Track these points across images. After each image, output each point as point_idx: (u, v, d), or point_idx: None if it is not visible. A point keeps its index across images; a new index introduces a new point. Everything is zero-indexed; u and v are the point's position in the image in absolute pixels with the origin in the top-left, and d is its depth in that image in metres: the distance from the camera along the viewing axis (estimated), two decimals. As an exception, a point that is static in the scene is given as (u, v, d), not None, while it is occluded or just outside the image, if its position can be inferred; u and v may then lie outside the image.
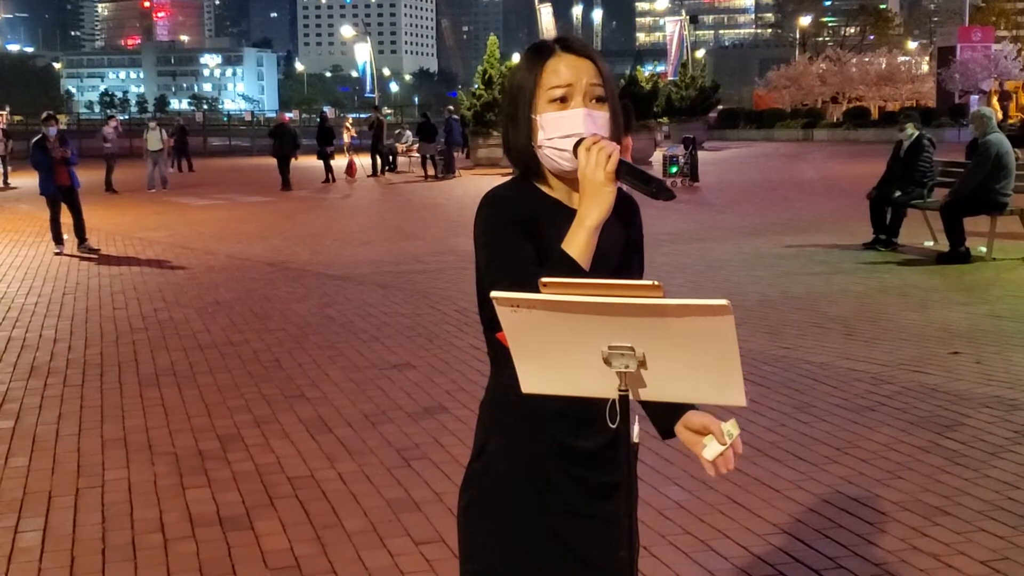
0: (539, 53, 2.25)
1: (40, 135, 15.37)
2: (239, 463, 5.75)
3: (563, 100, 2.20)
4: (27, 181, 30.27)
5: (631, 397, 1.96)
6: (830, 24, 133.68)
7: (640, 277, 2.37)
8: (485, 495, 2.31)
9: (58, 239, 15.21)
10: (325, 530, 4.76)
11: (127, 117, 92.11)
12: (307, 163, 32.52)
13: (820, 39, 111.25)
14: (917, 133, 13.33)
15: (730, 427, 2.25)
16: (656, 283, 1.83)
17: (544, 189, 2.29)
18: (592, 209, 2.11)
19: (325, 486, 5.34)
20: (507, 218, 2.20)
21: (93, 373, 7.94)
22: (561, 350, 1.95)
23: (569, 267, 2.09)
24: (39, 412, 6.90)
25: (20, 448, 6.14)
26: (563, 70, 2.20)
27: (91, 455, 5.97)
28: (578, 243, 2.11)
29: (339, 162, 32.95)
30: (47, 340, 9.18)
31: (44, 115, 16.18)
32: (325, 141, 30.75)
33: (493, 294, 1.92)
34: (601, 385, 1.97)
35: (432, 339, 8.59)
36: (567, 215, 2.20)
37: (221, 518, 4.95)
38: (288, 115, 38.89)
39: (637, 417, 2.10)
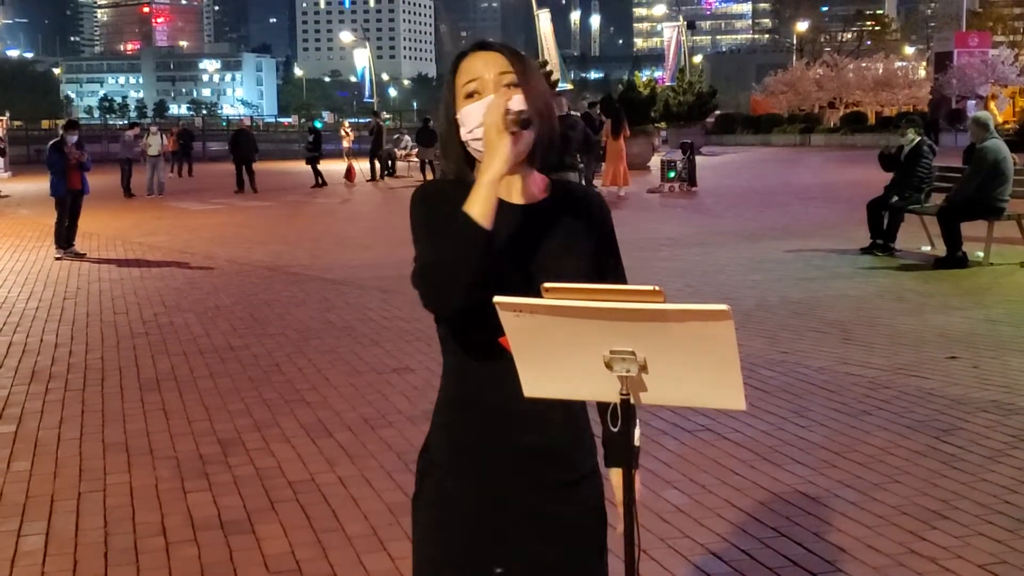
0: (457, 59, 2.29)
1: (59, 138, 15.56)
2: (240, 467, 5.77)
3: (476, 94, 2.22)
4: (19, 187, 30.28)
5: (633, 401, 1.99)
6: (828, 29, 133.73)
7: (614, 278, 2.31)
8: (428, 492, 2.32)
9: (61, 243, 15.27)
10: (326, 534, 4.78)
11: (126, 122, 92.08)
12: (305, 168, 32.51)
13: (818, 44, 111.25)
14: (918, 139, 13.35)
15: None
16: (657, 288, 1.86)
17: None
18: (490, 162, 2.08)
19: (325, 490, 5.36)
20: (433, 208, 2.21)
21: (94, 378, 7.96)
22: (563, 354, 1.98)
23: (465, 225, 2.06)
24: (41, 416, 6.92)
25: (22, 452, 6.16)
26: (472, 66, 2.24)
27: (93, 459, 5.99)
28: (474, 200, 2.07)
29: (338, 167, 33.01)
30: (48, 345, 9.20)
31: (67, 121, 17.00)
32: (315, 147, 30.89)
33: (496, 299, 1.94)
34: (603, 389, 1.99)
35: (431, 343, 8.59)
36: (501, 205, 2.21)
37: (222, 522, 4.97)
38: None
39: (638, 421, 2.13)
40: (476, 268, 2.08)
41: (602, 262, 2.30)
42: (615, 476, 2.34)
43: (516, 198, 2.27)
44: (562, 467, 2.25)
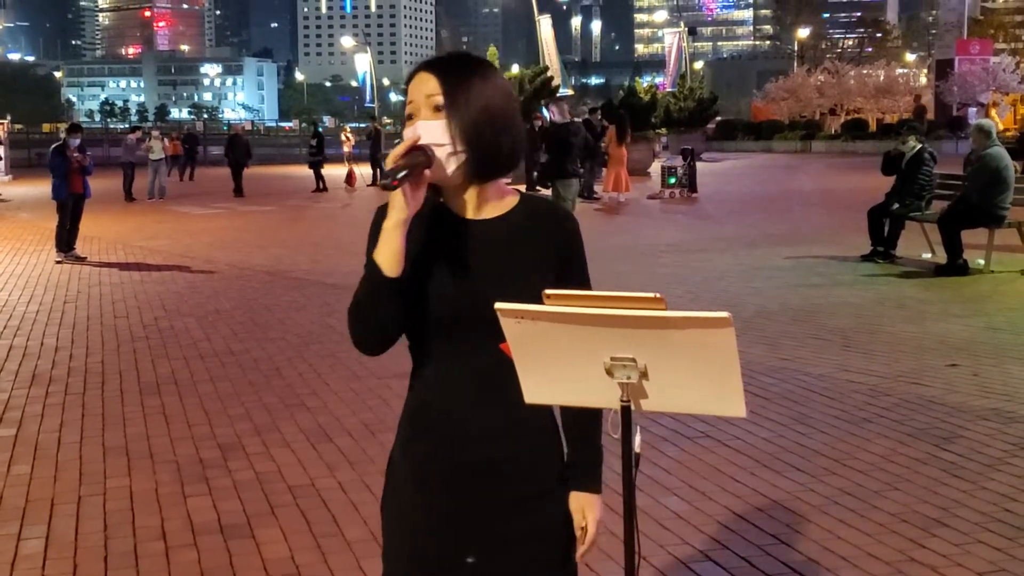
0: (407, 80, 2.27)
1: (61, 141, 15.61)
2: (240, 471, 5.78)
3: (412, 116, 2.20)
4: (19, 191, 30.30)
5: (633, 408, 1.99)
6: (829, 36, 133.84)
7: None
8: (389, 500, 2.35)
9: (61, 247, 15.28)
10: (326, 539, 4.79)
11: (127, 126, 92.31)
12: (306, 173, 32.54)
13: (819, 50, 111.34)
14: (919, 146, 13.37)
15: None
16: (658, 295, 1.86)
17: (442, 200, 2.27)
18: (390, 209, 2.11)
19: (325, 495, 5.36)
20: (378, 226, 2.22)
21: (94, 381, 7.97)
22: (564, 361, 1.98)
23: (369, 272, 2.12)
24: (41, 420, 6.92)
25: (22, 456, 6.16)
26: (410, 90, 2.22)
27: (93, 463, 5.99)
28: (379, 246, 2.12)
29: (339, 171, 33.02)
30: (48, 348, 9.21)
31: (70, 125, 17.07)
32: (318, 151, 30.95)
33: (498, 306, 1.95)
34: (603, 396, 2.00)
35: (432, 349, 8.58)
36: (449, 220, 2.23)
37: (222, 526, 4.98)
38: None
39: (639, 428, 2.13)
40: (380, 314, 2.14)
41: (562, 283, 2.17)
42: (574, 500, 2.30)
43: (470, 213, 2.25)
44: (514, 482, 2.23)
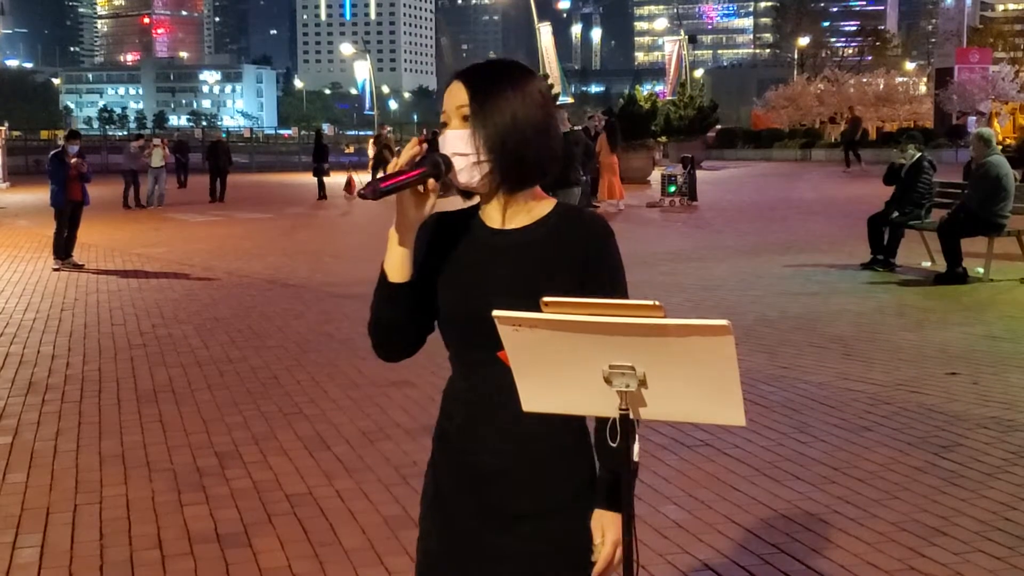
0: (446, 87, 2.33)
1: (60, 148, 15.63)
2: (237, 480, 5.75)
3: (445, 125, 2.26)
4: (17, 198, 30.28)
5: (632, 416, 1.98)
6: (829, 44, 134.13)
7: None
8: (422, 499, 2.40)
9: (59, 254, 15.26)
10: (323, 547, 4.77)
11: (126, 133, 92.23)
12: (304, 180, 32.54)
13: (819, 59, 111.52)
14: (918, 155, 13.38)
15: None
16: (657, 303, 1.85)
17: (482, 206, 2.31)
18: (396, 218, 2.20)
19: (323, 503, 5.34)
20: (419, 242, 2.28)
21: (91, 389, 7.95)
22: (562, 369, 1.97)
23: (379, 277, 2.25)
24: (37, 428, 6.90)
25: (18, 464, 6.14)
26: (444, 99, 2.28)
27: (89, 471, 5.97)
28: (386, 253, 2.24)
29: (338, 179, 33.00)
30: (45, 356, 9.18)
31: (68, 131, 17.32)
32: (321, 158, 30.91)
33: (495, 313, 1.94)
34: (602, 404, 1.98)
35: (431, 357, 8.52)
36: (476, 229, 2.29)
37: (219, 535, 4.96)
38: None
39: (638, 436, 2.11)
40: (389, 319, 2.24)
41: (586, 292, 2.15)
42: (595, 518, 2.24)
43: (498, 223, 2.28)
44: (524, 494, 2.23)
